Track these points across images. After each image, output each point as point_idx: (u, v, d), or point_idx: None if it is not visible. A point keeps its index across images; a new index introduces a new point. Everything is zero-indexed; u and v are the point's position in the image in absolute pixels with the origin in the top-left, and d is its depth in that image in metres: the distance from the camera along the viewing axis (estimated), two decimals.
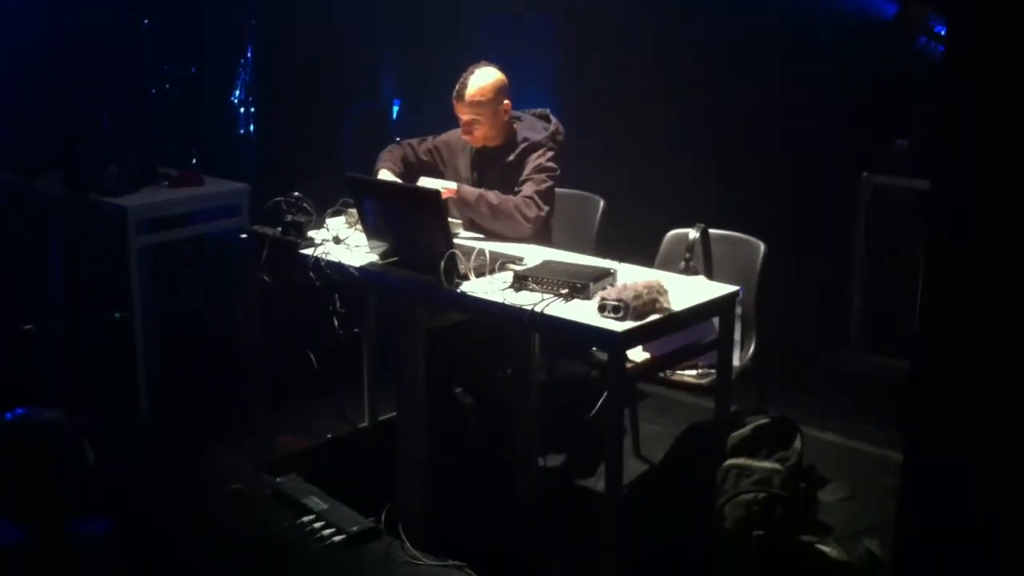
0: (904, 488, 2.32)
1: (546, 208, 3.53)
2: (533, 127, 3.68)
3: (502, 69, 3.68)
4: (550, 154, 3.61)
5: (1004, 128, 2.05)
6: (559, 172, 3.61)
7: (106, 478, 3.13)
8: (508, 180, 3.62)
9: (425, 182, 3.55)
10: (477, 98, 3.58)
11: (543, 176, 3.56)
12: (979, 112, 2.08)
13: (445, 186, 3.54)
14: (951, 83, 2.13)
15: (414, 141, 3.86)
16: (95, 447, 2.94)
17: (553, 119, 3.74)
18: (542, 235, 3.61)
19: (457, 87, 3.60)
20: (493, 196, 3.53)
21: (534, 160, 3.60)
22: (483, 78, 3.60)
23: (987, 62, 2.05)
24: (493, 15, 6.22)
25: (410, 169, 3.76)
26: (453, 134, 3.81)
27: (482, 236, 3.55)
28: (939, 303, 2.22)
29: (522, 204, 3.51)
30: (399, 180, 3.68)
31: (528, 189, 3.54)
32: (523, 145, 3.62)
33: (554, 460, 3.75)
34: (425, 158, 3.82)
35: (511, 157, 3.63)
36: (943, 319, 2.22)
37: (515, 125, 3.70)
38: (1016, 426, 2.13)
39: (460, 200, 3.54)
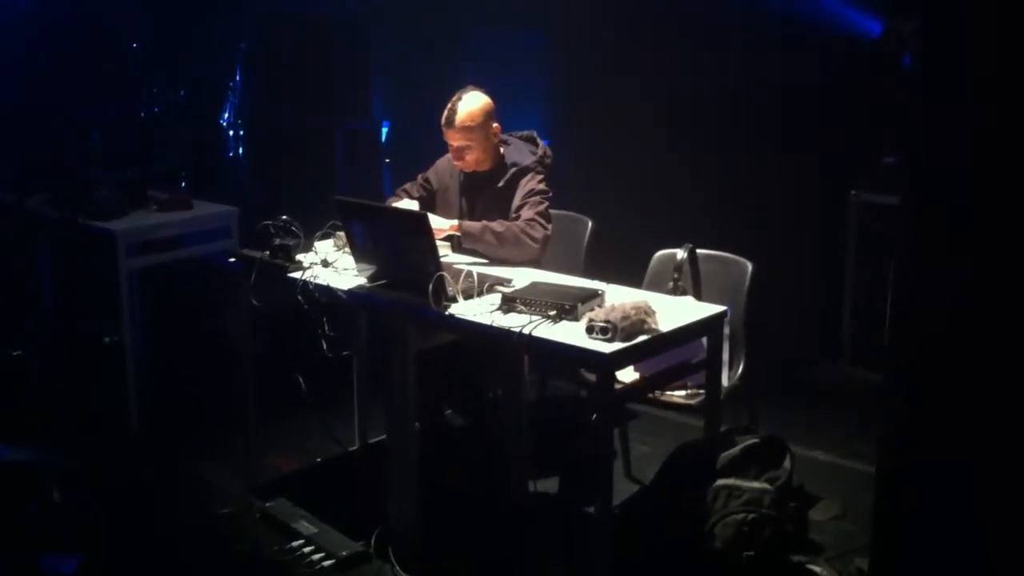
0: (879, 497, 2.31)
1: (549, 227, 3.53)
2: (520, 151, 3.68)
3: (491, 90, 3.69)
4: (540, 177, 3.61)
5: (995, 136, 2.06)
6: (552, 195, 3.61)
7: (76, 515, 3.12)
8: (498, 205, 3.62)
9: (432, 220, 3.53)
10: (467, 123, 3.57)
11: (538, 198, 3.56)
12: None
13: (447, 224, 3.53)
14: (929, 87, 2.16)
15: (408, 186, 3.86)
16: (65, 484, 2.92)
17: (540, 141, 3.74)
18: None
19: (446, 113, 3.59)
20: (497, 225, 3.51)
21: (525, 184, 3.60)
22: (472, 103, 3.60)
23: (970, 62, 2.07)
24: (481, 34, 6.26)
25: None
26: (441, 162, 3.82)
27: (484, 260, 3.54)
28: (911, 311, 2.23)
29: (526, 227, 3.49)
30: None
31: (528, 212, 3.53)
32: (513, 170, 3.62)
33: (545, 481, 3.74)
34: (420, 194, 3.81)
35: (501, 183, 3.63)
36: (915, 327, 2.23)
37: (502, 149, 3.70)
38: (995, 434, 2.13)
39: (465, 234, 3.52)
